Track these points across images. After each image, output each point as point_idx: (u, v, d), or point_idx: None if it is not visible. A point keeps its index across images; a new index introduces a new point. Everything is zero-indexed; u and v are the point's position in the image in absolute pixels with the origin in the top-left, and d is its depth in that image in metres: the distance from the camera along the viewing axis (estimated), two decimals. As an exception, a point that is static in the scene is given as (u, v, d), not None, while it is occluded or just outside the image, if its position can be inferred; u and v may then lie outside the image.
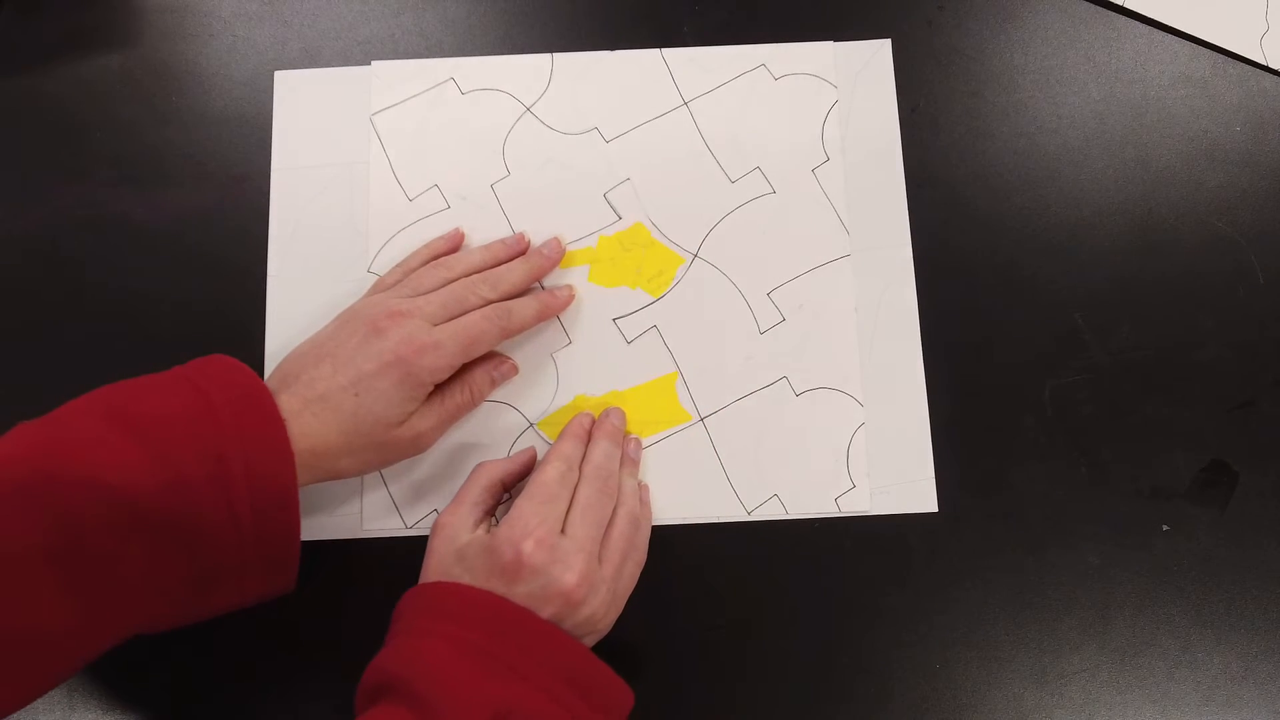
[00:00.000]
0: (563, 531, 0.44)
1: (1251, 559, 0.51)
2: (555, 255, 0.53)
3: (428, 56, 0.57)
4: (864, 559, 0.51)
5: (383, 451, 0.46)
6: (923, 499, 0.51)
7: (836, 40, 0.57)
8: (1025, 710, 0.49)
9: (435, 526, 0.46)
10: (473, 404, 0.49)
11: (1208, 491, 0.51)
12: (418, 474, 0.51)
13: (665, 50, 0.57)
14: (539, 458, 0.50)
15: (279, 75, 0.56)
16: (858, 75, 0.56)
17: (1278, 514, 0.51)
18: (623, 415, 0.51)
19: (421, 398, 0.46)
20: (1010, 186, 0.55)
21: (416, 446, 0.47)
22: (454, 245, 0.53)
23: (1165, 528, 0.51)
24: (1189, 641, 0.50)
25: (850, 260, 0.54)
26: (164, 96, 0.56)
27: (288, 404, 0.43)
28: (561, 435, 0.49)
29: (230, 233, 0.54)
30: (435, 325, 0.46)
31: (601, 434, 0.49)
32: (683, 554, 0.50)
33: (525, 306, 0.50)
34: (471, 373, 0.49)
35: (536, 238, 0.54)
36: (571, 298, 0.53)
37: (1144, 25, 0.57)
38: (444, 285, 0.49)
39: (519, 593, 0.42)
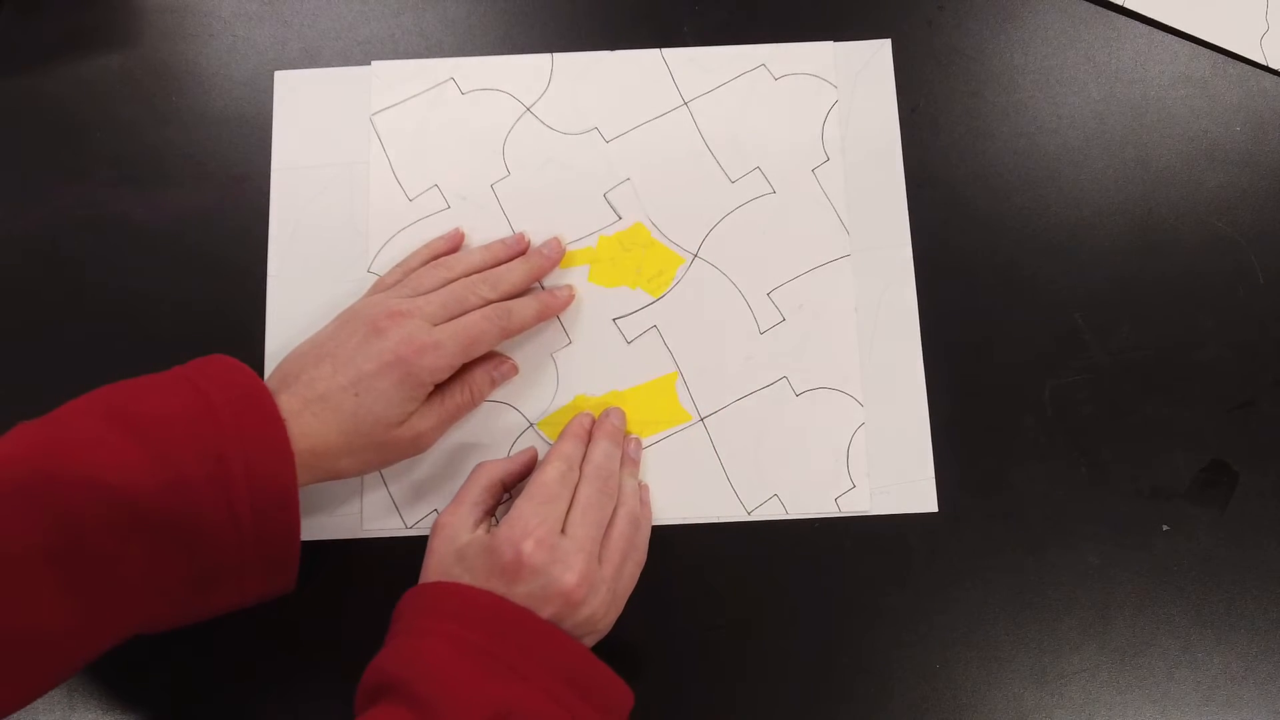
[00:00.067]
0: (563, 531, 0.44)
1: (1251, 559, 0.51)
2: (555, 255, 0.53)
3: (428, 56, 0.57)
4: (864, 559, 0.51)
5: (383, 451, 0.46)
6: (923, 499, 0.51)
7: (836, 40, 0.57)
8: (1025, 710, 0.49)
9: (435, 526, 0.46)
10: (473, 404, 0.49)
11: (1208, 491, 0.51)
12: (418, 474, 0.51)
13: (665, 50, 0.57)
14: (539, 458, 0.50)
15: (279, 75, 0.56)
16: (858, 75, 0.56)
17: (1278, 514, 0.51)
18: (623, 415, 0.51)
19: (421, 398, 0.46)
20: (1010, 186, 0.55)
21: (416, 446, 0.47)
22: (454, 245, 0.53)
23: (1165, 528, 0.51)
24: (1189, 641, 0.50)
25: (850, 260, 0.54)
26: (164, 96, 0.56)
27: (288, 404, 0.43)
28: (562, 435, 0.49)
29: (230, 233, 0.54)
30: (435, 325, 0.46)
31: (602, 434, 0.49)
32: (683, 554, 0.50)
33: (525, 306, 0.50)
34: (471, 373, 0.49)
35: (536, 238, 0.54)
36: (571, 298, 0.53)
37: (1144, 25, 0.57)
38: (444, 285, 0.49)
39: (519, 593, 0.42)
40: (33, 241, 0.54)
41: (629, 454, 0.51)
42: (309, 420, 0.43)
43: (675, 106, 0.56)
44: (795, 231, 0.54)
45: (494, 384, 0.51)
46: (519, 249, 0.53)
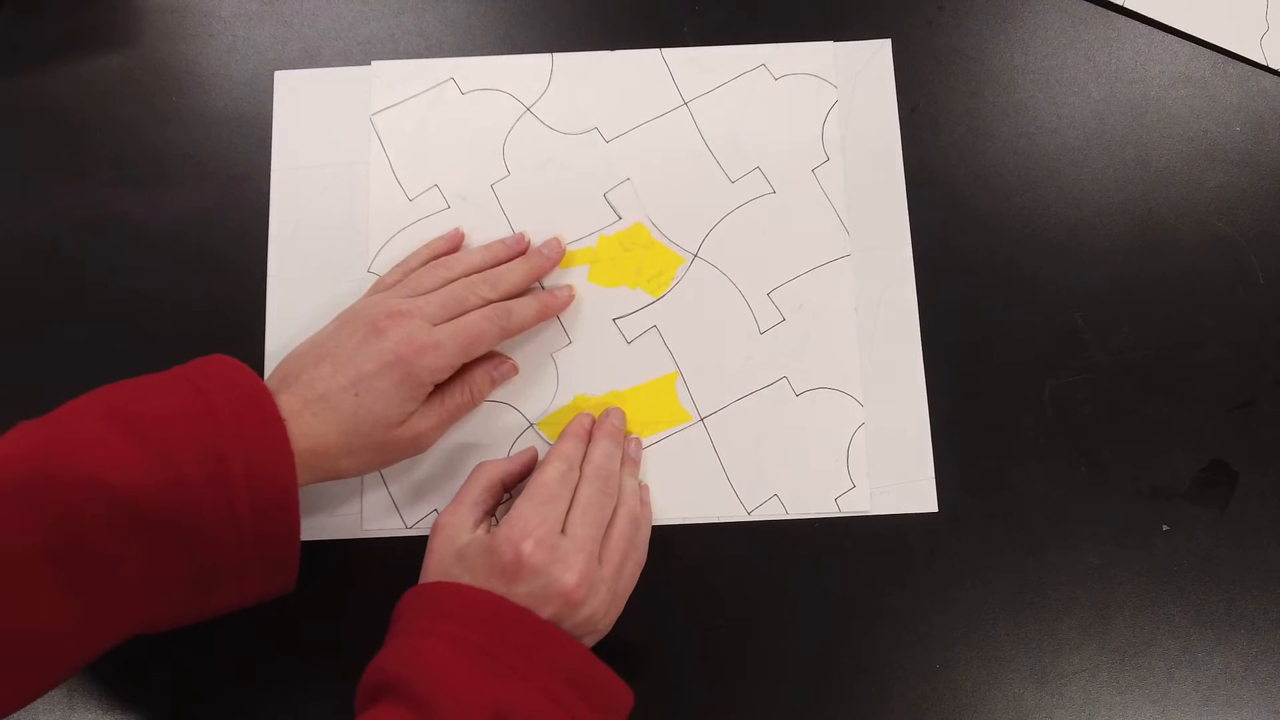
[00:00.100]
0: (563, 531, 0.44)
1: (1251, 559, 0.51)
2: (555, 255, 0.53)
3: (428, 56, 0.57)
4: (864, 559, 0.51)
5: (383, 451, 0.46)
6: (923, 499, 0.51)
7: (836, 40, 0.57)
8: (1025, 710, 0.49)
9: (435, 526, 0.46)
10: (473, 404, 0.49)
11: (1208, 491, 0.51)
12: (418, 474, 0.51)
13: (665, 50, 0.57)
14: (539, 458, 0.50)
15: (279, 75, 0.56)
16: (858, 75, 0.56)
17: (1278, 514, 0.51)
18: (623, 415, 0.51)
19: (421, 398, 0.46)
20: (1010, 186, 0.55)
21: (416, 446, 0.47)
22: (454, 245, 0.53)
23: (1165, 528, 0.51)
24: (1189, 641, 0.50)
25: (850, 260, 0.54)
26: (164, 96, 0.56)
27: (288, 404, 0.43)
28: (562, 435, 0.49)
29: (230, 233, 0.54)
30: (435, 325, 0.46)
31: (602, 434, 0.49)
32: (683, 554, 0.50)
33: (525, 306, 0.50)
34: (471, 373, 0.49)
35: (536, 238, 0.54)
36: (571, 298, 0.53)
37: (1144, 25, 0.57)
38: (444, 285, 0.49)
39: (519, 593, 0.42)
40: (33, 241, 0.54)
41: (629, 454, 0.51)
42: (309, 420, 0.43)
43: (675, 106, 0.56)
44: (795, 231, 0.54)
45: (494, 384, 0.51)
46: (519, 249, 0.53)
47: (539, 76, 0.56)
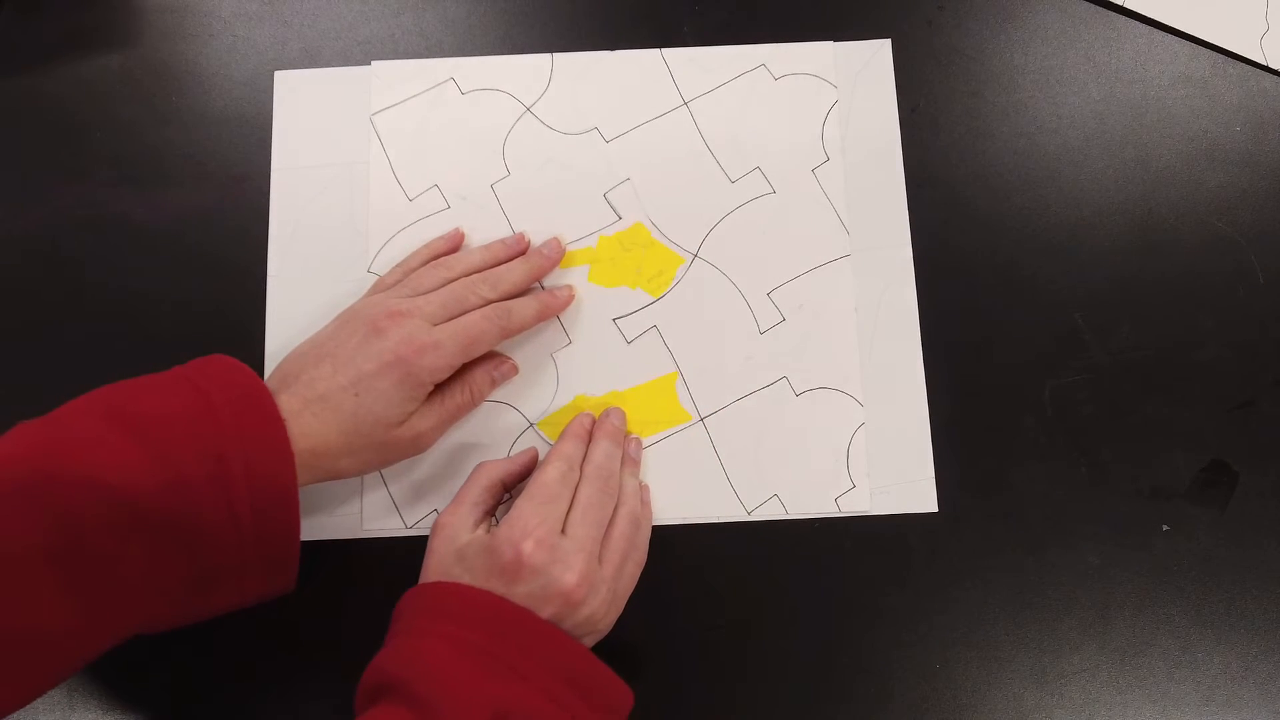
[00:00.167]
0: (563, 531, 0.44)
1: (1251, 559, 0.51)
2: (555, 255, 0.53)
3: (428, 56, 0.57)
4: (864, 559, 0.51)
5: (383, 451, 0.46)
6: (923, 499, 0.51)
7: (836, 40, 0.57)
8: (1025, 710, 0.49)
9: (435, 526, 0.46)
10: (473, 404, 0.49)
11: (1208, 491, 0.51)
12: (418, 474, 0.51)
13: (665, 50, 0.57)
14: (539, 458, 0.50)
15: (279, 75, 0.56)
16: (858, 75, 0.56)
17: (1278, 514, 0.51)
18: (623, 415, 0.51)
19: (421, 398, 0.46)
20: (1010, 186, 0.55)
21: (416, 446, 0.47)
22: (454, 245, 0.53)
23: (1165, 528, 0.51)
24: (1189, 641, 0.50)
25: (850, 260, 0.54)
26: (164, 96, 0.56)
27: (288, 404, 0.43)
28: (562, 435, 0.49)
29: (230, 233, 0.54)
30: (435, 325, 0.46)
31: (602, 434, 0.49)
32: (683, 554, 0.50)
33: (525, 306, 0.50)
34: (471, 373, 0.49)
35: (536, 238, 0.54)
36: (571, 298, 0.53)
37: (1144, 25, 0.57)
38: (444, 285, 0.49)
39: (519, 593, 0.42)
40: (33, 241, 0.54)
41: (629, 454, 0.51)
42: (309, 420, 0.43)
43: (675, 106, 0.56)
44: (795, 231, 0.54)
45: (494, 384, 0.51)
46: (519, 249, 0.53)
47: (539, 76, 0.56)
